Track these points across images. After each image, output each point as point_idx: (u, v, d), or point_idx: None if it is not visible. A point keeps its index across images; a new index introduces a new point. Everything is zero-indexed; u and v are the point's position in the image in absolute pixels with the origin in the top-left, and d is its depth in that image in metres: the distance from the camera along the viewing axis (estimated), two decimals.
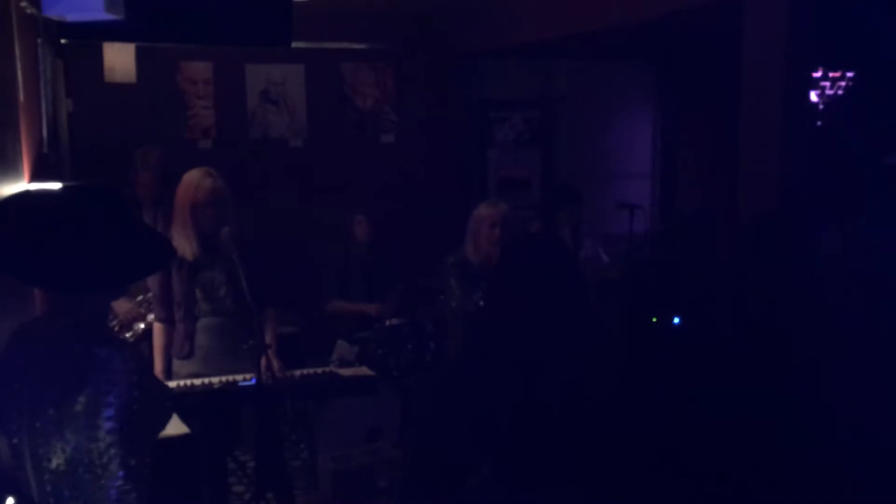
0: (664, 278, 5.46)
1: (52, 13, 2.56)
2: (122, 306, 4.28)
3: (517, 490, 2.04)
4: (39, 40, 3.32)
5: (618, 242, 6.05)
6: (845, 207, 3.12)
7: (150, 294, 3.98)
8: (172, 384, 3.49)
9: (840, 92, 6.53)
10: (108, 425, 1.77)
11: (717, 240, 5.40)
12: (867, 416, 2.33)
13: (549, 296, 2.13)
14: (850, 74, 6.52)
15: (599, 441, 2.09)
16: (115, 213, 1.92)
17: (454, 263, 4.15)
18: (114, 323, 4.17)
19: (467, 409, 2.06)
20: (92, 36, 3.63)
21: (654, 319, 4.72)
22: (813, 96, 6.30)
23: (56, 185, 2.11)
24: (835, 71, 6.48)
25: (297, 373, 3.70)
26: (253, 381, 3.42)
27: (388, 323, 4.75)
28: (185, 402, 3.24)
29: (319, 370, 3.77)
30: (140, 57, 4.44)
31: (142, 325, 4.27)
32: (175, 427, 2.89)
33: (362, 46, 6.34)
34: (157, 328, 3.75)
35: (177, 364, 3.70)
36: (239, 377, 3.52)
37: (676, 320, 4.61)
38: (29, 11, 3.03)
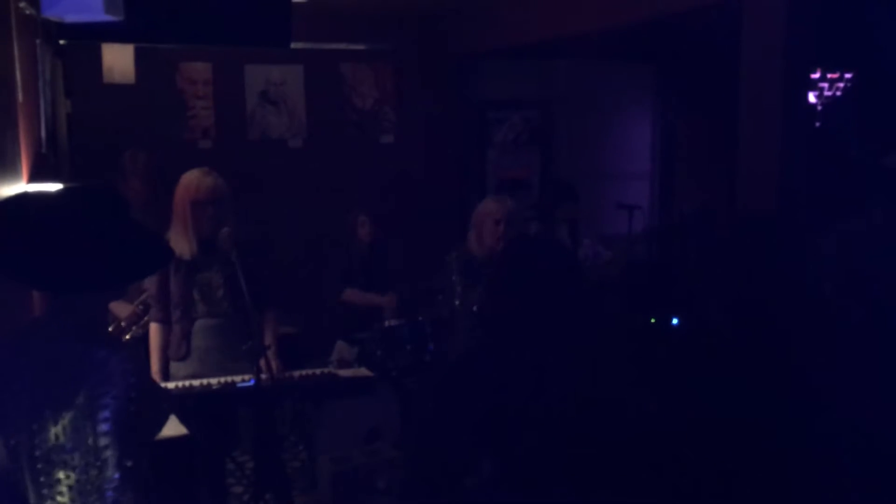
0: (663, 279, 5.46)
1: (51, 14, 2.55)
2: (122, 309, 4.26)
3: (518, 490, 2.04)
4: (38, 41, 3.32)
5: (616, 242, 6.06)
6: (844, 208, 3.12)
7: (145, 295, 3.97)
8: (171, 385, 3.49)
9: (838, 93, 6.53)
10: (104, 427, 1.76)
11: (716, 240, 5.40)
12: (866, 415, 2.33)
13: (550, 297, 2.13)
14: (848, 75, 6.53)
15: (599, 441, 2.09)
16: (113, 213, 1.92)
17: (457, 258, 4.16)
18: (113, 326, 4.15)
19: (473, 407, 2.06)
20: (91, 37, 3.64)
21: (653, 320, 4.71)
22: (811, 97, 6.31)
23: (54, 186, 2.11)
24: (833, 72, 6.49)
25: (296, 374, 3.69)
26: (251, 382, 3.42)
27: (387, 324, 4.75)
28: (183, 403, 3.23)
29: (318, 371, 3.77)
30: (139, 57, 4.44)
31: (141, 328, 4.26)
32: (174, 428, 2.89)
33: (361, 47, 6.34)
34: (154, 329, 3.73)
35: (174, 366, 3.69)
36: (237, 378, 3.51)
37: (675, 321, 4.60)
38: (28, 12, 3.03)
